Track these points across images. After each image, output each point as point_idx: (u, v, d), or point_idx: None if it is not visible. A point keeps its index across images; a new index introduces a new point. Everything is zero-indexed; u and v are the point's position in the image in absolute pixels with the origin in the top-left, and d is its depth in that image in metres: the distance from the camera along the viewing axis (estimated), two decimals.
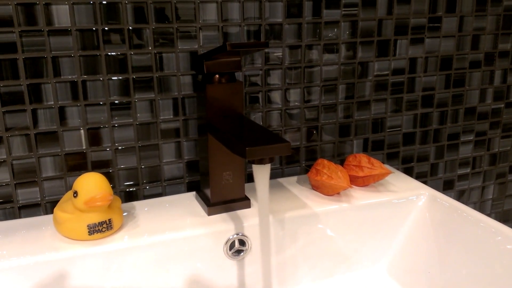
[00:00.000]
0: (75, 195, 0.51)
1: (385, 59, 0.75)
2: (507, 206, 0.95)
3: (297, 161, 0.74)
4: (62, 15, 0.57)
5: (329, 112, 0.74)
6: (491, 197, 0.93)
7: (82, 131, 0.62)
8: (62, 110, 0.60)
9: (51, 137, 0.60)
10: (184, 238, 0.55)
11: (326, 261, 0.61)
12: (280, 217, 0.59)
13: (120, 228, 0.56)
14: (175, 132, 0.66)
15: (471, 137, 0.87)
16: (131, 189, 0.66)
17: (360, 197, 0.64)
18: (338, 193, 0.64)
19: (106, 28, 0.59)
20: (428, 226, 0.61)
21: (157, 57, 0.63)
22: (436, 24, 0.77)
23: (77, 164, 0.63)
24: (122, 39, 0.60)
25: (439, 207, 0.62)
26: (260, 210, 0.48)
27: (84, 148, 0.62)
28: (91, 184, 0.51)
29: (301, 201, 0.62)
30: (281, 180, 0.71)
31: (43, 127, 0.60)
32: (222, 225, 0.56)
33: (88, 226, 0.52)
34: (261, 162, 0.46)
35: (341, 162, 0.78)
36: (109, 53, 0.60)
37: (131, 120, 0.64)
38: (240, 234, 0.57)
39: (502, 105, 0.88)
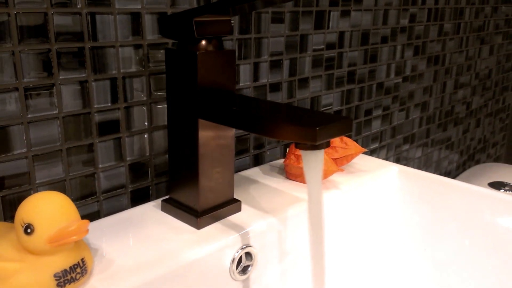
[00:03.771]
0: (28, 230, 0.32)
1: (321, 32, 0.70)
2: None
3: (245, 150, 0.63)
4: None
5: (275, 91, 0.65)
6: None
7: None
8: None
9: None
10: (182, 267, 0.40)
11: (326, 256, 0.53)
12: (279, 217, 0.48)
13: (92, 269, 0.37)
14: (114, 125, 0.49)
15: (380, 112, 0.89)
16: None
17: (342, 181, 0.57)
18: None
19: None
20: (412, 201, 0.59)
21: (89, 19, 0.44)
22: None
23: None
24: None
25: (414, 180, 0.60)
26: (313, 207, 0.37)
27: None
28: (56, 211, 0.32)
29: (289, 194, 0.52)
30: (243, 173, 0.59)
31: None
32: (224, 240, 0.43)
33: (55, 275, 0.33)
34: (316, 147, 0.35)
35: (286, 147, 0.70)
36: (22, 12, 0.40)
37: (55, 112, 0.44)
38: (245, 246, 0.44)
39: (400, 80, 0.92)
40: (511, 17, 1.28)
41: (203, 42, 0.41)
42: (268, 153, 0.66)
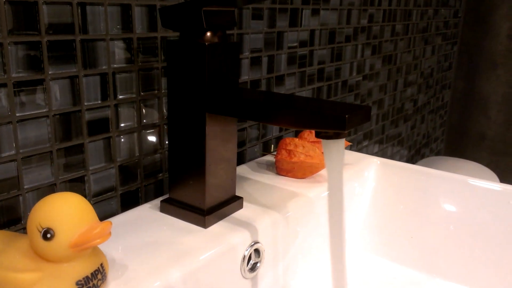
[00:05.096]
0: (48, 235, 0.29)
1: (295, 30, 0.70)
2: None
3: None
4: None
5: (255, 88, 0.65)
6: None
7: None
8: None
9: None
10: (198, 269, 0.38)
11: (321, 251, 0.53)
12: (282, 213, 0.47)
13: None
14: (104, 124, 0.46)
15: None
16: None
17: None
18: (312, 175, 0.56)
19: None
20: (394, 192, 0.60)
21: (79, 10, 0.41)
22: None
23: None
24: None
25: (395, 171, 0.62)
26: (334, 196, 0.37)
27: None
28: (76, 213, 0.30)
29: (285, 190, 0.52)
30: None
31: None
32: (234, 238, 0.42)
33: (77, 283, 0.30)
34: (339, 135, 0.35)
35: (265, 146, 0.69)
36: (11, 0, 0.37)
37: (45, 110, 0.41)
38: (254, 243, 0.43)
39: (361, 78, 0.95)
40: (448, 19, 1.37)
41: (209, 34, 0.40)
42: (255, 149, 0.66)
